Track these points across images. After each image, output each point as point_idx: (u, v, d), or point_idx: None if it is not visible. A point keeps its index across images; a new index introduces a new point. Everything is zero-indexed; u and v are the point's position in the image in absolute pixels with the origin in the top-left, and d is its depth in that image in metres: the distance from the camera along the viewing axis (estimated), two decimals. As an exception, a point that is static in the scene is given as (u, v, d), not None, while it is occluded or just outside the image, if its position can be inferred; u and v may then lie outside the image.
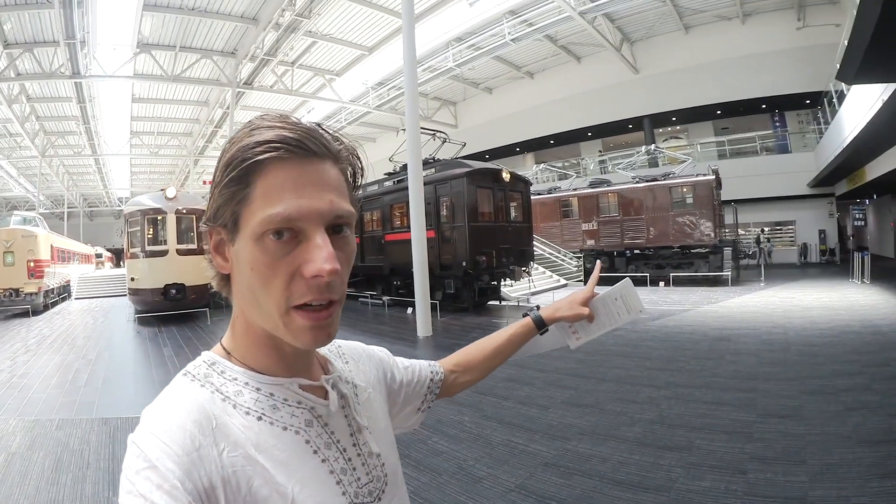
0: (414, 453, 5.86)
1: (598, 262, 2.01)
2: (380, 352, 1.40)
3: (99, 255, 48.28)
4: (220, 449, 0.84)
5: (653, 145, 31.69)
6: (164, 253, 18.34)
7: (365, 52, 28.04)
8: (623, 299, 1.64)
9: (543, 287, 21.84)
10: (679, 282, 22.43)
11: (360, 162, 1.04)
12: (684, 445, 5.53)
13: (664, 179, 24.33)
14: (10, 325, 20.11)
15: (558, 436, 6.10)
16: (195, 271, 18.06)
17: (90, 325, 19.23)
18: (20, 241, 23.70)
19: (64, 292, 30.11)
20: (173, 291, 18.08)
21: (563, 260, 26.92)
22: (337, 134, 1.01)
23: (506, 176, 18.34)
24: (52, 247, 26.48)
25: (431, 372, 1.50)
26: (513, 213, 19.04)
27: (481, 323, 15.26)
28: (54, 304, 26.87)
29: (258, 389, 0.95)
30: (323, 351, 1.19)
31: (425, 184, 14.98)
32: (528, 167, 37.55)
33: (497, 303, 19.28)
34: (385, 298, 20.11)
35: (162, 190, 19.66)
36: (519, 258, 18.61)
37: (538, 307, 1.71)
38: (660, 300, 17.51)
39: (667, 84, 31.19)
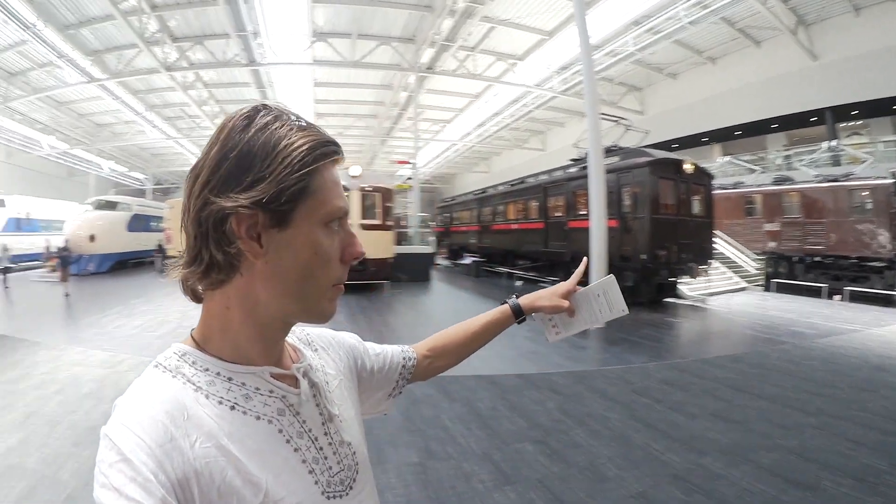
0: (553, 442, 5.89)
1: (584, 258, 1.89)
2: (349, 338, 1.41)
3: None
4: (192, 440, 0.84)
5: (834, 141, 28.97)
6: None
7: (545, 36, 27.38)
8: (606, 296, 1.59)
9: (722, 288, 20.66)
10: (855, 297, 20.12)
11: None
12: (811, 484, 5.00)
13: (844, 180, 22.23)
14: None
15: (696, 448, 5.84)
16: (377, 245, 19.33)
17: None
18: None
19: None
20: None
21: (744, 261, 25.03)
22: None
23: (688, 168, 17.53)
24: None
25: (404, 358, 1.49)
26: (695, 207, 18.14)
27: (654, 320, 14.59)
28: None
29: (230, 379, 0.96)
30: (292, 340, 1.20)
31: (607, 172, 14.67)
32: (715, 159, 35.58)
33: (674, 300, 18.39)
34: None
35: (346, 168, 20.14)
36: (699, 255, 17.73)
37: (517, 295, 1.69)
38: (833, 315, 15.83)
39: (845, 72, 27.50)
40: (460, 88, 33.00)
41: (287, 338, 1.13)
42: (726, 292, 20.34)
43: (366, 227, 19.43)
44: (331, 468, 1.02)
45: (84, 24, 24.58)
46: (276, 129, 0.93)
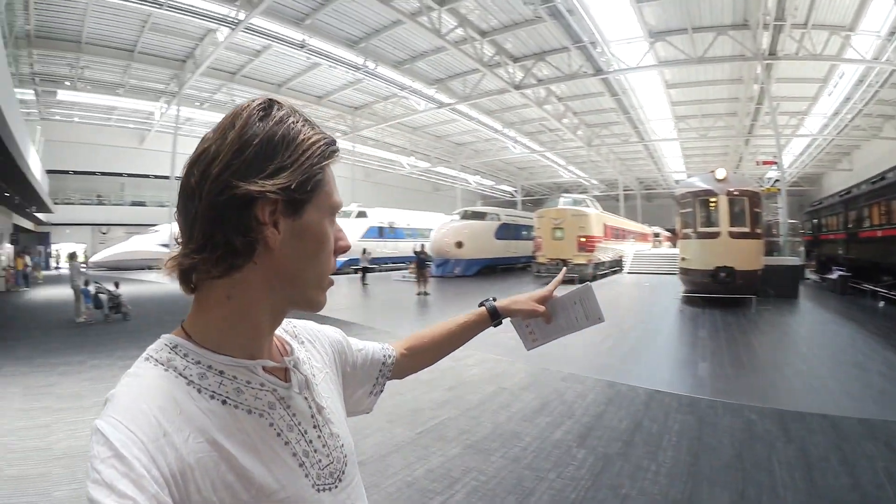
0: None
1: (563, 267, 2.04)
2: (334, 332, 1.37)
3: (656, 235, 50.39)
4: (185, 435, 0.81)
5: None
6: (715, 235, 17.52)
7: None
8: (582, 304, 1.58)
9: None
10: None
11: None
12: None
13: None
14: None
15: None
16: (746, 256, 17.12)
17: (635, 296, 20.18)
18: (570, 219, 27.02)
19: (616, 266, 32.38)
20: (722, 274, 17.02)
21: None
22: None
23: None
24: (604, 225, 29.12)
25: (384, 355, 1.47)
26: None
27: None
28: (604, 275, 28.81)
29: (221, 373, 0.93)
30: (279, 332, 1.14)
31: None
32: None
33: None
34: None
35: (711, 171, 18.86)
36: None
37: (494, 298, 1.66)
38: None
39: None
40: (807, 73, 27.96)
41: (276, 330, 1.11)
42: None
43: (734, 236, 17.38)
44: (320, 461, 1.01)
45: (416, 59, 27.61)
46: (293, 122, 0.96)
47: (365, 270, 27.34)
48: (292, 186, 0.91)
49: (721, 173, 17.89)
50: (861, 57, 22.88)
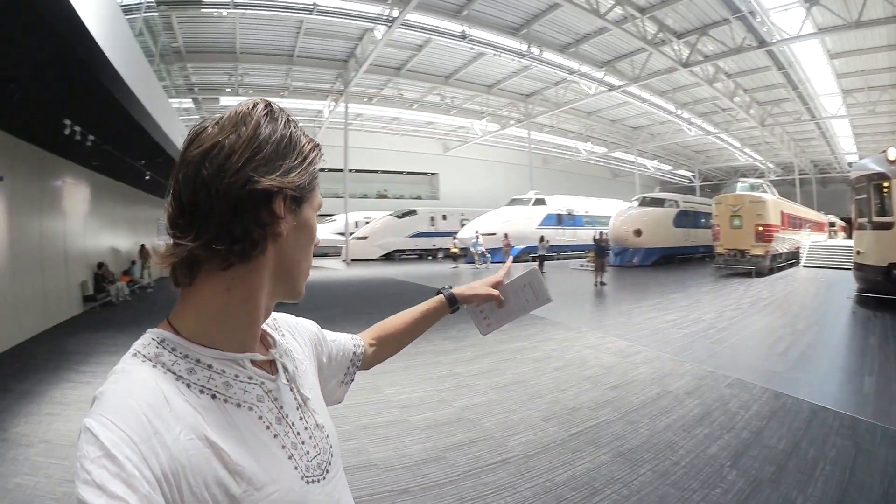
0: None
1: (510, 256, 2.10)
2: (310, 325, 1.37)
3: (832, 224, 45.98)
4: (176, 433, 0.80)
5: None
6: (888, 225, 14.86)
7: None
8: (531, 287, 1.66)
9: None
10: None
11: None
12: None
13: None
14: (729, 283, 21.14)
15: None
16: None
17: (810, 294, 18.43)
18: (748, 206, 24.94)
19: (792, 258, 29.75)
20: (895, 272, 14.52)
21: None
22: None
23: None
24: (781, 213, 26.70)
25: (354, 345, 1.47)
26: None
27: None
28: (780, 268, 26.69)
29: (210, 367, 0.92)
30: (262, 326, 1.14)
31: None
32: None
33: None
34: None
35: (883, 152, 16.71)
36: None
37: (450, 286, 1.70)
38: None
39: None
40: None
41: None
42: None
43: None
44: (308, 453, 1.01)
45: (580, 42, 27.15)
46: (293, 127, 1.01)
47: (542, 259, 26.74)
48: (303, 185, 0.98)
49: (893, 153, 15.18)
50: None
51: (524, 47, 26.60)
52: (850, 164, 44.88)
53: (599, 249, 20.97)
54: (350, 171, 35.75)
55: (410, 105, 36.94)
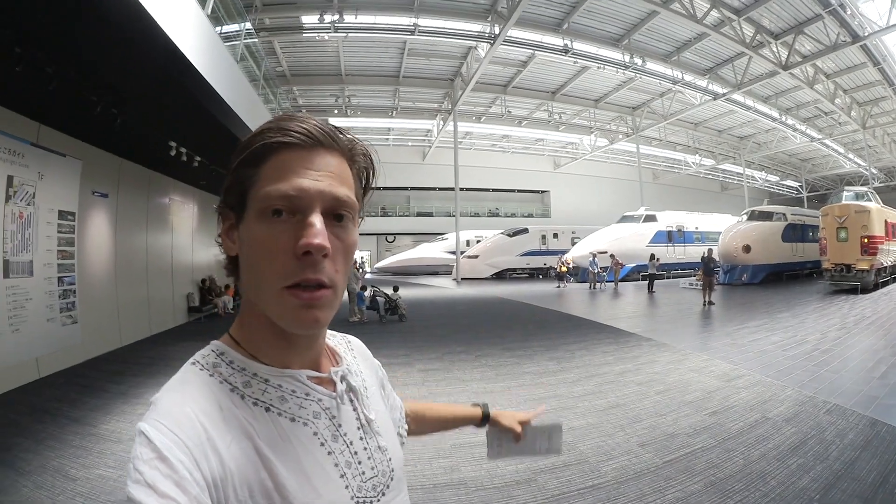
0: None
1: (543, 405, 1.99)
2: (377, 363, 1.38)
3: None
4: (228, 441, 0.83)
5: None
6: None
7: None
8: (550, 437, 1.75)
9: None
10: None
11: (373, 164, 1.08)
12: None
13: None
14: (834, 300, 20.37)
15: None
16: None
17: None
18: (853, 216, 23.74)
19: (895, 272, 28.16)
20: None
21: None
22: (353, 136, 1.04)
23: None
24: (885, 222, 25.26)
25: (401, 405, 1.47)
26: None
27: None
28: (885, 283, 25.43)
29: (266, 381, 0.95)
30: (332, 343, 1.21)
31: None
32: None
33: None
34: None
35: None
36: None
37: (486, 405, 1.74)
38: None
39: None
40: None
41: (328, 340, 1.19)
42: None
43: None
44: (363, 473, 1.02)
45: (681, 49, 27.45)
46: (262, 124, 0.98)
47: (652, 277, 26.75)
48: (223, 194, 0.99)
49: None
50: None
51: (627, 58, 26.81)
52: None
53: (707, 268, 20.73)
54: (461, 189, 36.01)
55: (519, 122, 37.45)
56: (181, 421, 0.80)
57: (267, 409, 0.92)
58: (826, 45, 25.04)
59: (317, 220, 0.89)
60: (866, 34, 23.65)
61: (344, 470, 0.97)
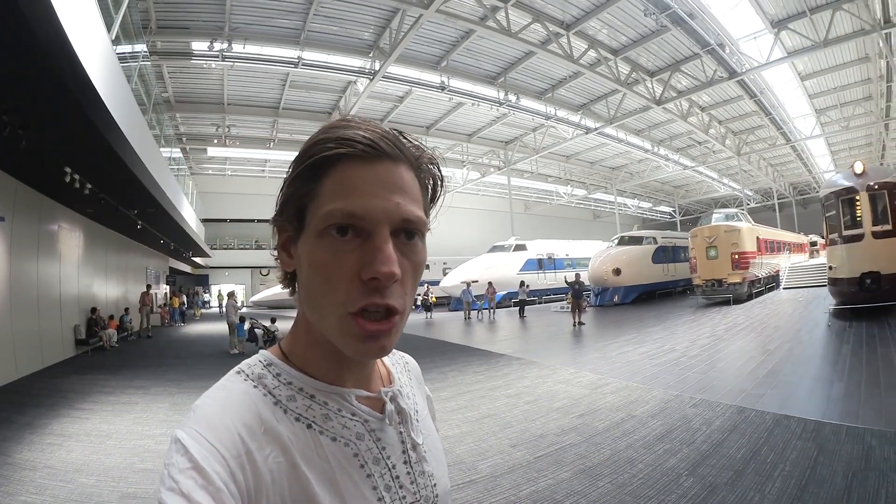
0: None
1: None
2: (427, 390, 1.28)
3: (813, 244, 46.64)
4: (266, 454, 0.80)
5: None
6: (859, 237, 15.95)
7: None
8: None
9: None
10: None
11: (440, 172, 1.01)
12: None
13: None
14: (707, 312, 21.73)
15: None
16: (892, 257, 15.16)
17: (786, 314, 19.04)
18: (723, 235, 25.74)
19: (772, 282, 30.68)
20: (868, 281, 15.46)
21: None
22: (418, 143, 0.97)
23: None
24: (757, 239, 27.58)
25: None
26: None
27: None
28: (759, 293, 27.44)
29: (312, 397, 0.92)
30: (390, 361, 1.15)
31: None
32: None
33: None
34: None
35: (851, 167, 17.25)
36: None
37: None
38: None
39: None
40: None
41: (386, 358, 1.15)
42: None
43: (877, 236, 15.59)
44: (404, 497, 0.97)
45: (556, 87, 28.44)
46: (321, 131, 0.91)
47: (523, 303, 27.45)
48: (277, 210, 0.94)
49: (859, 167, 16.40)
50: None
51: (502, 95, 27.53)
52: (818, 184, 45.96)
53: (575, 291, 21.50)
54: None
55: (394, 156, 38.00)
56: (220, 432, 0.78)
57: (308, 427, 0.88)
58: (702, 81, 26.65)
59: (385, 243, 0.83)
60: (744, 70, 25.35)
61: (383, 493, 0.93)
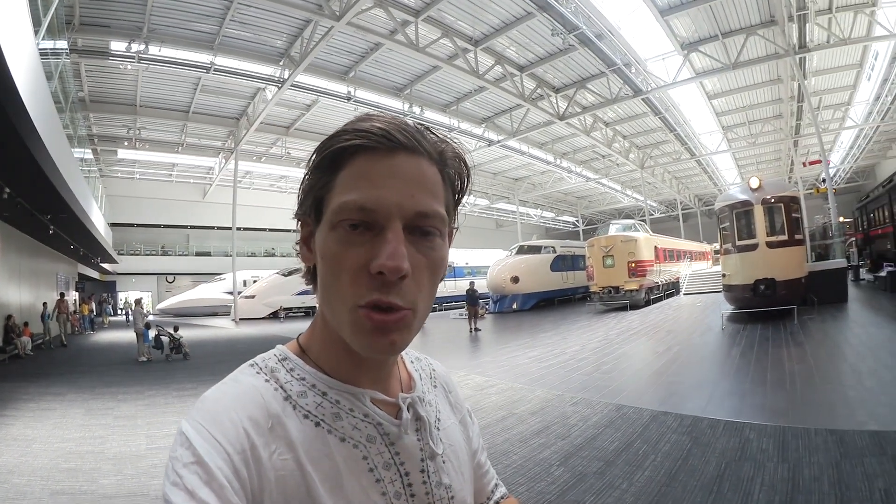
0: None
1: None
2: (466, 403, 1.25)
3: (717, 252, 48.33)
4: (272, 450, 0.80)
5: None
6: (753, 247, 17.07)
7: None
8: None
9: None
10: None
11: (466, 167, 0.98)
12: None
13: None
14: (603, 318, 22.43)
15: None
16: (787, 264, 16.52)
17: (682, 319, 19.91)
18: (619, 245, 26.71)
19: (672, 288, 31.96)
20: (762, 287, 16.54)
21: None
22: (444, 136, 0.96)
23: None
24: (655, 248, 28.80)
25: (496, 484, 1.28)
26: None
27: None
28: (658, 299, 28.53)
29: (324, 394, 0.90)
30: (414, 367, 1.13)
31: None
32: None
33: None
34: None
35: (747, 181, 18.50)
36: None
37: None
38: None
39: None
40: (841, 60, 27.51)
41: (412, 363, 1.13)
42: None
43: (772, 245, 16.77)
44: None
45: (461, 100, 29.21)
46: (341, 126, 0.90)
47: (421, 311, 27.70)
48: (299, 198, 0.94)
49: (755, 182, 17.66)
50: (889, 31, 22.04)
51: (406, 107, 28.03)
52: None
53: (471, 299, 21.94)
54: (239, 228, 36.24)
55: (298, 163, 37.55)
56: (225, 427, 0.77)
57: (317, 425, 0.86)
58: (607, 98, 27.70)
59: (394, 237, 0.81)
60: (649, 89, 26.49)
61: (392, 500, 0.89)
